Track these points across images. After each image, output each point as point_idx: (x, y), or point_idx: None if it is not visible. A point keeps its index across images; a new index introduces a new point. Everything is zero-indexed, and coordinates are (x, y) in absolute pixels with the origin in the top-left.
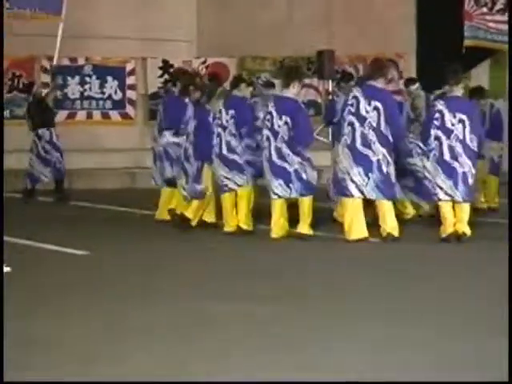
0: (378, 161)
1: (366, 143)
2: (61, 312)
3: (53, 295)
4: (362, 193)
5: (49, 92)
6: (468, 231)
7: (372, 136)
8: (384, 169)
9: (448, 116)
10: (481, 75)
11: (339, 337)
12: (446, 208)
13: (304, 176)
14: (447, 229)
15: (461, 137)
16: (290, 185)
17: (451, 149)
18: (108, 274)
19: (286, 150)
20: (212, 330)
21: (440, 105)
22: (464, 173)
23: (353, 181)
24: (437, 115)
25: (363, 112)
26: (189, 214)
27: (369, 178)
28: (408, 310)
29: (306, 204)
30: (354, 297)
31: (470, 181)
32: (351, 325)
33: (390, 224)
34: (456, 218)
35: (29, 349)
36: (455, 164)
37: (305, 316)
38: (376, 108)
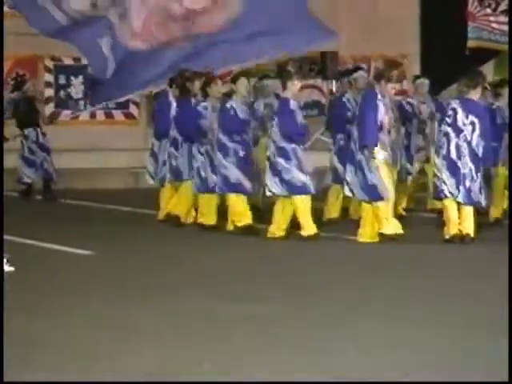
0: (360, 161)
1: (354, 142)
2: (62, 312)
3: (54, 295)
4: (352, 192)
5: (40, 99)
6: (472, 232)
7: (355, 137)
8: (366, 171)
9: (461, 115)
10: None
11: (339, 337)
12: (450, 209)
13: (286, 177)
14: (451, 230)
15: (469, 138)
16: (283, 183)
17: (458, 148)
18: (110, 274)
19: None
20: (212, 330)
21: (455, 103)
22: (464, 174)
23: (345, 180)
24: (450, 113)
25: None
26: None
27: (357, 178)
28: (408, 310)
29: (296, 204)
30: (355, 297)
31: (468, 183)
32: (351, 325)
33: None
34: (460, 219)
35: (29, 349)
36: (459, 163)
37: (305, 316)
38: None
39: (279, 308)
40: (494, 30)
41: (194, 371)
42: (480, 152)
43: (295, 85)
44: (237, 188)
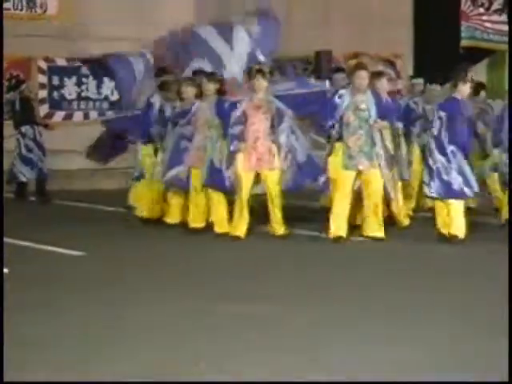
0: None
1: None
2: (60, 312)
3: (51, 295)
4: None
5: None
6: (461, 234)
7: None
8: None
9: (434, 115)
10: (478, 76)
11: (339, 337)
12: (436, 207)
13: None
14: (440, 227)
15: (435, 133)
16: None
17: (428, 146)
18: (105, 275)
19: None
20: (212, 331)
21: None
22: (437, 168)
23: None
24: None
25: None
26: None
27: None
28: (408, 310)
29: None
30: (354, 296)
31: (445, 177)
32: (351, 324)
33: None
34: (449, 221)
35: (29, 349)
36: (430, 161)
37: (305, 315)
38: None
39: (279, 308)
40: (487, 29)
41: (194, 371)
42: (446, 143)
43: (260, 83)
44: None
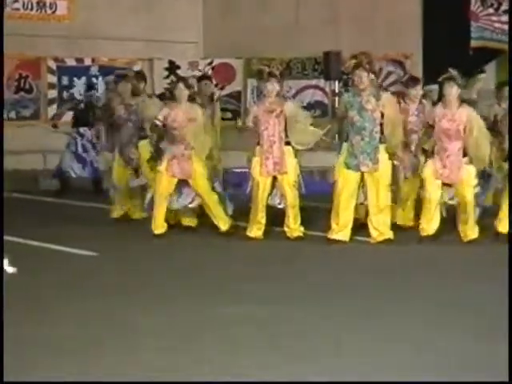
0: None
1: None
2: (63, 312)
3: (56, 296)
4: None
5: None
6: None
7: None
8: None
9: None
10: (488, 76)
11: (339, 337)
12: None
13: None
14: None
15: None
16: None
17: None
18: (112, 276)
19: None
20: (212, 331)
21: None
22: None
23: None
24: None
25: None
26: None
27: None
28: (408, 310)
29: None
30: (354, 297)
31: None
32: (351, 325)
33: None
34: None
35: (29, 349)
36: None
37: (306, 317)
38: None
39: (279, 309)
40: (496, 29)
41: (194, 371)
42: None
43: (270, 86)
44: None
